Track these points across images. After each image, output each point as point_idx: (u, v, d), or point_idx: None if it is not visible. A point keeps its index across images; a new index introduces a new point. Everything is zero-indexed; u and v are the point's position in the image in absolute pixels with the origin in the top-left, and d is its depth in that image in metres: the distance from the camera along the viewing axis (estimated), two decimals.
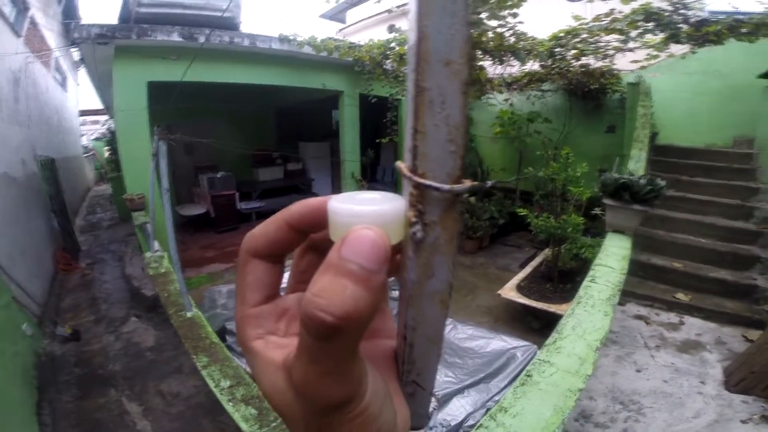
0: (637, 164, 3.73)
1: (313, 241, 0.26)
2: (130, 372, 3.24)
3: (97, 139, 14.96)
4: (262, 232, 0.24)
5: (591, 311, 1.89)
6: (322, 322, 0.17)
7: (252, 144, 8.22)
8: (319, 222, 0.23)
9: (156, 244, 3.54)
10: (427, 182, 0.20)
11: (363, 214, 0.20)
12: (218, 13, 4.79)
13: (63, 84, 9.87)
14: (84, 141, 14.73)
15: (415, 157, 0.20)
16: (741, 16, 3.63)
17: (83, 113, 14.28)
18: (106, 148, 11.45)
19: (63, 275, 5.20)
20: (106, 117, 11.77)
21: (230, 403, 1.54)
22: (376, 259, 0.18)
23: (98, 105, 10.52)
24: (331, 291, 0.17)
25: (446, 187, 0.20)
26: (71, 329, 3.67)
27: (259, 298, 0.24)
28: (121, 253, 6.19)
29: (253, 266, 0.24)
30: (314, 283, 0.18)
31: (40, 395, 2.89)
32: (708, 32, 3.57)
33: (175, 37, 4.37)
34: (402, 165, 0.21)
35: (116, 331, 3.89)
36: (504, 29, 3.98)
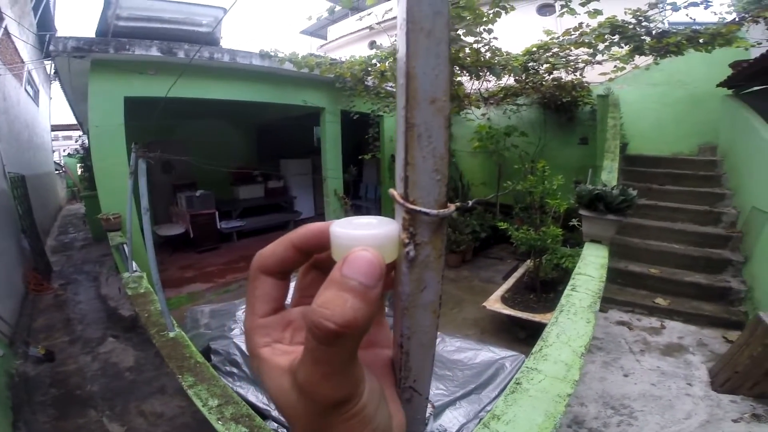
0: (609, 175, 3.87)
1: (316, 260, 0.28)
2: (109, 392, 3.11)
3: (69, 155, 14.48)
4: (270, 251, 0.27)
5: (574, 319, 1.94)
6: (326, 329, 0.20)
7: (232, 161, 8.07)
8: (322, 244, 0.26)
9: (134, 265, 3.44)
10: (418, 208, 0.23)
11: (361, 238, 0.23)
12: (198, 29, 4.79)
13: (35, 98, 9.58)
14: (56, 157, 14.24)
15: (407, 186, 0.23)
16: (698, 27, 3.79)
17: (55, 128, 13.85)
18: (80, 165, 11.09)
19: (34, 296, 4.97)
20: (79, 132, 11.43)
21: (219, 422, 1.50)
22: (373, 276, 0.21)
23: (71, 120, 10.22)
24: (334, 303, 0.20)
25: (434, 212, 0.23)
26: (44, 350, 3.51)
27: (267, 309, 0.27)
28: (96, 274, 5.96)
29: (262, 281, 0.27)
30: (319, 296, 0.21)
31: (15, 416, 2.78)
32: (669, 43, 3.73)
33: (154, 52, 4.32)
34: (395, 192, 0.24)
35: (93, 351, 3.73)
36: (480, 45, 4.11)
